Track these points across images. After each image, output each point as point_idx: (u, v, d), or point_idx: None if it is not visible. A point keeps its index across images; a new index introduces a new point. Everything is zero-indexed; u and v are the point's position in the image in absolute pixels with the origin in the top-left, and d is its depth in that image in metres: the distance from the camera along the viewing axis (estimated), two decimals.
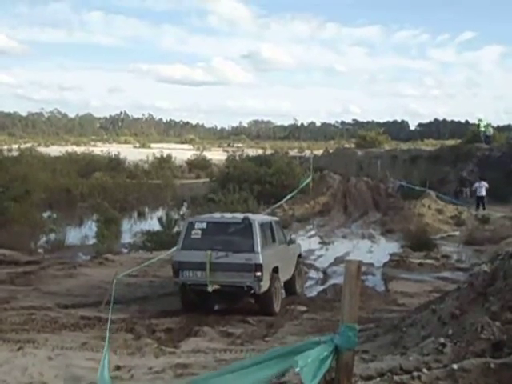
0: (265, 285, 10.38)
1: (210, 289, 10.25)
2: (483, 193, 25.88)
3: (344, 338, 2.63)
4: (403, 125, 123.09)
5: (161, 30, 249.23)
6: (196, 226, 10.80)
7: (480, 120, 36.95)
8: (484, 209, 25.32)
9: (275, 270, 10.89)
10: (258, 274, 10.23)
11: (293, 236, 13.29)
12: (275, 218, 13.37)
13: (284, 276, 11.53)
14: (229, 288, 10.45)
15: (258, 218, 11.32)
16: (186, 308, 10.74)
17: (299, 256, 13.03)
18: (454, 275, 13.69)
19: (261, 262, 10.27)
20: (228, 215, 12.04)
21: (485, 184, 25.99)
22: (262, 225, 10.94)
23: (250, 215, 11.43)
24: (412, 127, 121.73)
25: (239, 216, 11.27)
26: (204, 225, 10.85)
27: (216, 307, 11.32)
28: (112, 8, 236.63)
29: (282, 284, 11.63)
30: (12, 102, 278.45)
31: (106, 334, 6.44)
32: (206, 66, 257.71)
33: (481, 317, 4.98)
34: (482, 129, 35.91)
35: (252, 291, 10.37)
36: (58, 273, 13.59)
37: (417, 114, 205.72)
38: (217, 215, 12.16)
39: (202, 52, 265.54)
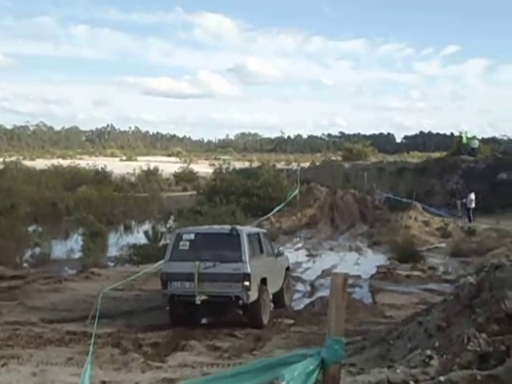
0: (253, 295, 10.38)
1: (198, 299, 10.25)
2: (473, 205, 26.22)
3: (331, 351, 2.62)
4: (389, 137, 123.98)
5: (146, 43, 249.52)
6: (184, 238, 10.87)
7: (462, 133, 37.62)
8: (470, 221, 25.56)
9: (263, 281, 10.90)
10: (246, 283, 10.24)
11: (281, 248, 13.21)
12: (263, 230, 13.39)
13: (272, 288, 11.51)
14: (217, 298, 10.47)
15: (245, 229, 11.43)
16: (174, 320, 10.69)
17: (287, 269, 13.01)
18: (440, 287, 13.73)
19: (249, 271, 10.31)
20: (216, 227, 12.21)
21: (472, 196, 26.38)
22: (249, 235, 11.04)
23: (237, 226, 11.52)
24: (398, 140, 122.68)
25: (227, 227, 11.33)
26: (192, 236, 10.92)
27: (204, 320, 11.36)
28: (97, 21, 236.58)
29: (271, 296, 11.62)
30: None
31: (90, 348, 6.36)
32: (191, 78, 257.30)
33: (467, 328, 5.00)
34: (465, 141, 36.46)
35: (240, 301, 10.34)
36: (43, 287, 13.45)
37: (403, 127, 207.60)
38: (205, 227, 12.31)
39: (187, 65, 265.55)
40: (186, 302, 10.49)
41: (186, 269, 10.36)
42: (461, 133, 37.92)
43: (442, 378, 4.18)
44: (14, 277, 14.67)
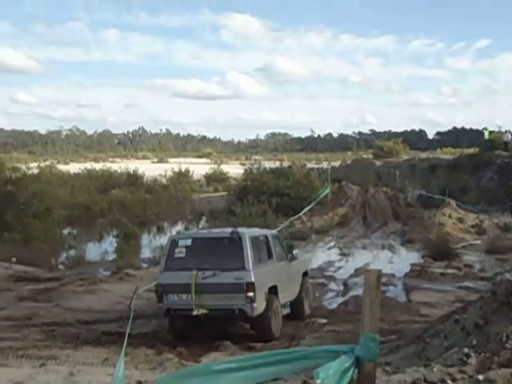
0: (259, 307, 9.32)
1: (195, 313, 9.19)
2: None
3: (365, 348, 2.59)
4: (421, 134, 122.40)
5: (175, 45, 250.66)
6: (180, 244, 9.81)
7: (484, 129, 37.67)
8: None
9: (273, 289, 9.83)
10: (250, 294, 9.13)
11: (295, 251, 11.73)
12: (272, 232, 11.96)
13: (286, 297, 10.52)
14: (218, 312, 9.37)
15: (248, 232, 10.20)
16: (175, 336, 9.79)
17: (305, 274, 11.87)
18: (476, 285, 13.51)
19: (253, 280, 9.21)
20: (216, 230, 11.33)
21: None
22: (253, 239, 9.92)
23: (239, 229, 10.30)
24: (430, 136, 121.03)
25: (227, 230, 10.23)
26: (189, 242, 9.86)
27: (207, 334, 9.98)
28: (127, 25, 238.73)
29: (287, 305, 10.95)
30: (32, 121, 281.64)
31: (123, 346, 6.43)
32: (220, 80, 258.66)
33: (505, 326, 4.90)
34: (487, 137, 36.48)
35: (245, 315, 9.33)
36: (78, 289, 13.66)
37: (434, 123, 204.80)
38: (203, 231, 11.57)
39: (216, 66, 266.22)
40: (184, 316, 9.53)
41: (182, 279, 9.32)
42: (484, 129, 38.02)
43: (480, 377, 4.10)
44: (50, 279, 14.93)
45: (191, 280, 9.23)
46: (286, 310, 11.14)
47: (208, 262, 9.50)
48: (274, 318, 9.73)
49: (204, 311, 9.24)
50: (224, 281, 9.27)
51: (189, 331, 9.76)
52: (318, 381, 2.46)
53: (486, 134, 37.82)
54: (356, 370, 2.60)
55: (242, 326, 10.27)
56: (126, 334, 7.84)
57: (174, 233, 24.51)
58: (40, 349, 9.06)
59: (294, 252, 11.57)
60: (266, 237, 10.62)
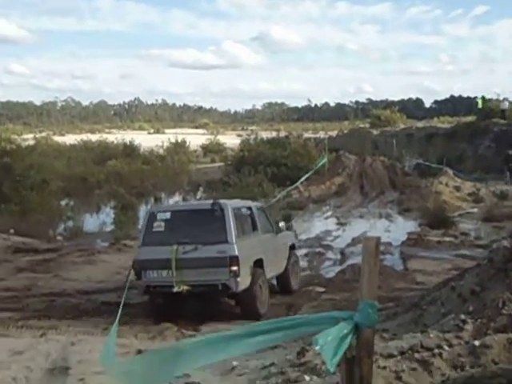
0: (244, 281, 8.88)
1: (176, 290, 8.77)
2: None
3: (364, 315, 2.61)
4: (418, 102, 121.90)
5: (170, 14, 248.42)
6: (158, 217, 9.31)
7: (478, 98, 38.09)
8: None
9: (258, 263, 9.39)
10: (234, 268, 8.70)
11: (281, 224, 11.25)
12: (257, 203, 11.52)
13: (272, 270, 10.05)
14: (200, 288, 8.94)
15: (231, 203, 9.75)
16: (156, 315, 9.26)
17: (293, 247, 11.48)
18: (473, 252, 13.58)
19: (236, 253, 8.78)
20: (196, 202, 10.86)
21: None
22: (236, 210, 9.50)
23: (221, 200, 9.91)
24: (427, 105, 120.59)
25: (208, 202, 9.95)
26: (168, 215, 9.38)
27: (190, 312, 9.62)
28: None
29: (274, 280, 10.64)
30: (26, 92, 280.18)
31: (117, 315, 6.49)
32: (216, 49, 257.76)
33: (502, 293, 4.94)
34: (480, 106, 36.72)
35: (229, 290, 8.91)
36: (77, 259, 13.72)
37: (432, 91, 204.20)
38: (183, 203, 11.16)
39: (211, 36, 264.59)
40: (164, 293, 9.09)
41: (161, 254, 8.86)
42: (476, 98, 38.42)
43: (476, 343, 4.14)
44: (49, 250, 14.98)
45: (171, 255, 8.77)
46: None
47: (189, 236, 9.01)
48: (261, 293, 9.28)
49: (185, 288, 8.78)
50: (206, 255, 8.81)
51: (170, 309, 9.28)
52: (317, 347, 2.48)
53: (480, 102, 37.97)
54: (355, 337, 2.62)
55: (228, 304, 9.90)
56: (121, 304, 7.91)
57: (171, 203, 24.58)
58: (40, 319, 9.15)
59: (280, 225, 11.12)
60: (249, 208, 10.16)
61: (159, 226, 9.25)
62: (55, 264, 13.26)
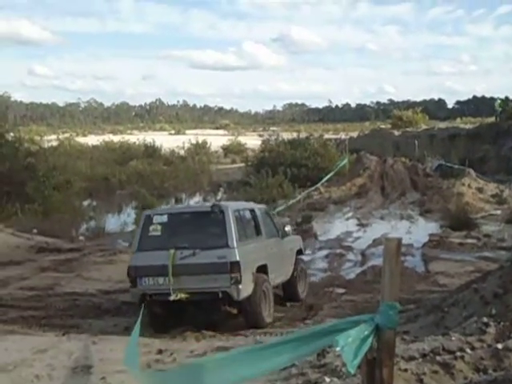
0: (246, 289, 8.29)
1: (173, 298, 8.19)
2: None
3: (385, 316, 2.60)
4: (440, 103, 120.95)
5: (191, 15, 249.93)
6: (155, 220, 8.73)
7: (496, 99, 38.01)
8: None
9: (262, 269, 8.82)
10: (236, 274, 8.11)
11: (287, 228, 10.52)
12: (261, 206, 10.80)
13: (278, 277, 9.50)
14: (200, 296, 8.34)
15: (232, 205, 9.18)
16: (154, 326, 8.56)
17: (299, 252, 10.82)
18: (495, 254, 13.41)
19: (237, 259, 8.18)
20: (194, 205, 10.24)
21: None
22: (238, 213, 8.91)
23: (221, 202, 9.53)
24: (450, 105, 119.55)
25: (208, 204, 9.39)
26: (165, 218, 8.84)
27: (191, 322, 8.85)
28: None
29: (280, 286, 10.00)
30: (49, 93, 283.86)
31: (140, 314, 6.54)
32: (237, 50, 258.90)
33: None
34: (498, 108, 36.47)
35: (230, 298, 8.30)
36: (99, 259, 13.84)
37: (454, 92, 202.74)
38: (181, 205, 10.57)
39: (232, 37, 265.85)
40: (162, 302, 8.47)
41: (158, 260, 8.32)
42: (497, 99, 38.45)
43: (499, 346, 4.10)
44: (71, 249, 15.13)
45: (168, 261, 8.24)
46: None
47: (187, 240, 8.50)
48: (264, 301, 8.66)
49: (183, 295, 8.20)
50: (205, 260, 8.23)
51: (169, 319, 8.74)
52: (338, 348, 2.48)
53: (497, 104, 37.68)
54: (376, 338, 2.61)
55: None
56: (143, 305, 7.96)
57: (192, 204, 24.69)
58: (62, 318, 9.26)
59: (286, 229, 10.41)
60: (253, 211, 9.50)
61: (155, 230, 8.67)
62: (77, 264, 13.40)
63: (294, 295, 10.27)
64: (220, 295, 8.22)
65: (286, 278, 9.92)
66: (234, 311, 8.87)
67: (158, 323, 8.62)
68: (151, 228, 8.68)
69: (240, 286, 8.17)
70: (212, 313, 9.00)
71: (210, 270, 8.21)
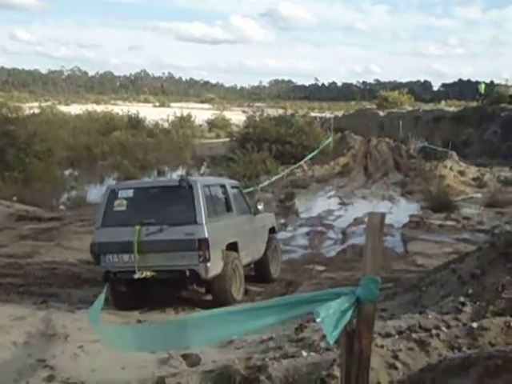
0: (215, 267, 7.99)
1: (137, 276, 7.86)
2: None
3: (366, 290, 2.63)
4: (426, 85, 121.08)
5: None
6: (120, 195, 8.35)
7: (480, 83, 38.33)
8: None
9: (232, 246, 8.49)
10: (204, 252, 7.78)
11: (260, 206, 10.02)
12: (232, 181, 10.47)
13: (248, 255, 9.15)
14: (166, 274, 8.01)
15: (202, 180, 8.92)
16: (117, 304, 8.24)
17: (272, 230, 10.41)
18: (474, 237, 13.58)
19: (206, 236, 7.83)
20: (162, 179, 9.74)
21: None
22: (208, 188, 8.55)
23: (190, 177, 9.15)
24: (435, 87, 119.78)
25: (175, 179, 9.06)
26: (130, 192, 8.50)
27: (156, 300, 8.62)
28: None
29: (252, 265, 9.73)
30: (32, 59, 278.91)
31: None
32: (224, 23, 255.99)
33: (502, 276, 4.95)
34: (482, 91, 36.75)
35: (198, 276, 7.95)
36: (79, 229, 13.78)
37: (440, 74, 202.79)
38: (147, 180, 10.15)
39: (220, 9, 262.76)
40: (127, 280, 8.12)
41: (123, 236, 7.93)
42: (478, 83, 38.82)
43: (474, 325, 4.16)
44: (51, 218, 15.05)
45: (133, 237, 7.85)
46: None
47: (153, 216, 8.12)
48: (234, 279, 8.38)
49: (149, 273, 7.89)
50: (172, 237, 7.87)
51: (133, 297, 8.39)
52: (318, 319, 2.50)
53: (482, 87, 37.92)
54: (356, 311, 2.63)
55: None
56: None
57: (174, 177, 24.61)
58: (41, 286, 9.22)
59: (259, 206, 9.96)
60: (223, 186, 9.16)
61: (120, 205, 8.26)
62: (57, 233, 13.33)
63: (266, 274, 9.97)
64: (187, 273, 7.86)
65: (257, 257, 9.61)
66: (202, 290, 8.54)
67: (120, 302, 8.29)
68: (116, 203, 8.26)
69: (208, 265, 7.85)
70: (178, 292, 8.72)
71: (178, 247, 7.87)
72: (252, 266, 9.83)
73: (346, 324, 2.59)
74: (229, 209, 8.97)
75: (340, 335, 2.61)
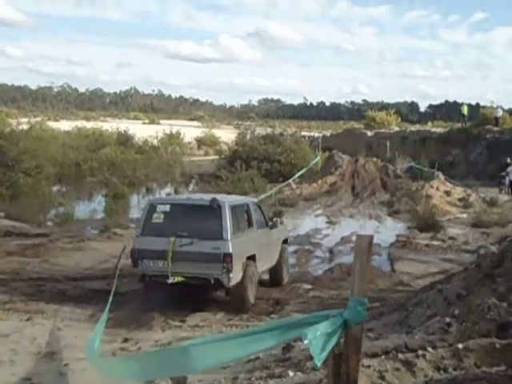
0: (235, 277, 9.17)
1: (170, 280, 9.03)
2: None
3: (353, 311, 2.65)
4: (413, 106, 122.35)
5: (169, 5, 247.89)
6: (158, 209, 9.57)
7: (462, 105, 39.00)
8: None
9: (251, 257, 9.74)
10: (227, 264, 8.99)
11: (276, 219, 11.67)
12: (253, 199, 12.03)
13: (264, 264, 10.44)
14: (194, 280, 9.21)
15: (229, 200, 9.98)
16: (148, 303, 9.34)
17: (285, 241, 11.90)
18: (460, 257, 13.67)
19: (230, 251, 9.04)
20: (195, 196, 11.07)
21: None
22: (234, 208, 9.66)
23: (219, 196, 10.20)
24: (422, 108, 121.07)
25: (207, 197, 9.97)
26: (167, 207, 9.63)
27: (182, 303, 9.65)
28: None
29: (267, 272, 10.96)
30: (22, 75, 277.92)
31: (107, 305, 6.52)
32: (213, 42, 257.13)
33: (487, 298, 4.99)
34: (465, 113, 37.30)
35: (221, 285, 9.21)
36: (66, 246, 13.69)
37: (427, 96, 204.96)
38: (182, 196, 11.52)
39: (209, 29, 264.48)
40: (159, 282, 9.24)
41: (159, 245, 9.15)
42: (462, 104, 39.49)
43: (460, 345, 4.19)
44: (39, 235, 14.93)
45: (168, 247, 9.06)
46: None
47: (186, 229, 9.24)
48: (250, 286, 9.58)
49: (180, 279, 9.08)
50: (201, 250, 9.05)
51: (164, 298, 9.38)
52: (306, 341, 2.52)
53: (465, 109, 38.47)
54: (343, 333, 2.65)
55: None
56: (112, 292, 7.92)
57: (162, 194, 24.58)
58: (27, 303, 9.14)
59: (275, 219, 11.51)
60: (246, 205, 10.41)
61: (158, 218, 9.48)
62: (45, 249, 13.23)
63: (278, 279, 11.34)
64: (212, 281, 9.07)
65: (271, 265, 10.88)
66: (223, 295, 9.74)
67: (152, 301, 9.30)
68: (154, 215, 9.51)
69: (231, 275, 9.04)
70: (202, 295, 9.93)
71: (205, 258, 9.05)
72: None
73: (334, 346, 2.61)
74: (250, 225, 10.23)
75: (327, 357, 2.63)
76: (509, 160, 26.40)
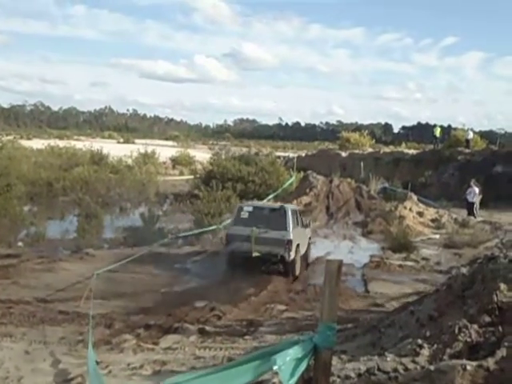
0: (292, 255, 13.66)
1: (254, 254, 13.42)
2: (475, 199, 25.49)
3: (323, 337, 2.63)
4: (387, 127, 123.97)
5: (145, 25, 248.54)
6: (244, 209, 14.21)
7: (435, 126, 40.13)
8: (474, 216, 24.96)
9: (298, 245, 14.15)
10: (289, 246, 13.52)
11: (310, 223, 16.90)
12: (298, 207, 18.25)
13: (302, 250, 14.84)
14: (267, 255, 13.60)
15: (290, 206, 15.15)
16: (231, 269, 13.72)
17: (310, 238, 16.83)
18: (432, 277, 13.80)
19: (291, 238, 13.61)
20: (269, 203, 17.20)
21: (475, 189, 25.66)
22: (292, 211, 14.30)
23: (284, 204, 15.25)
24: (396, 130, 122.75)
25: (277, 204, 15.22)
26: (251, 208, 14.29)
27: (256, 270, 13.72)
28: (96, 2, 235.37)
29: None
30: None
31: (89, 329, 6.39)
32: (188, 62, 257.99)
33: (459, 319, 5.02)
34: (437, 135, 38.16)
35: (283, 259, 13.60)
36: (37, 267, 13.46)
37: (400, 117, 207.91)
38: (260, 203, 16.94)
39: (184, 49, 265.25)
40: (242, 257, 13.58)
41: (245, 232, 13.56)
42: (434, 126, 40.61)
43: (431, 367, 4.21)
44: (9, 255, 14.65)
45: (251, 233, 13.49)
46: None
47: (263, 223, 13.72)
48: (298, 262, 14.27)
49: (258, 254, 13.49)
50: (273, 236, 13.56)
51: (243, 268, 13.50)
52: (275, 367, 2.49)
53: (437, 131, 39.25)
54: (313, 358, 2.63)
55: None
56: (90, 316, 7.80)
57: (136, 214, 24.34)
58: None
59: (308, 222, 16.44)
60: (297, 211, 15.33)
61: (244, 215, 14.06)
62: (14, 270, 12.98)
63: (307, 261, 15.84)
64: (278, 257, 13.65)
65: (304, 252, 15.35)
66: (281, 267, 13.96)
67: (236, 269, 13.62)
68: (242, 213, 14.14)
69: (290, 253, 13.65)
70: (267, 266, 14.04)
71: (275, 242, 13.55)
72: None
73: (303, 371, 2.59)
74: (297, 223, 14.71)
75: (297, 382, 2.61)
76: (472, 182, 26.39)
